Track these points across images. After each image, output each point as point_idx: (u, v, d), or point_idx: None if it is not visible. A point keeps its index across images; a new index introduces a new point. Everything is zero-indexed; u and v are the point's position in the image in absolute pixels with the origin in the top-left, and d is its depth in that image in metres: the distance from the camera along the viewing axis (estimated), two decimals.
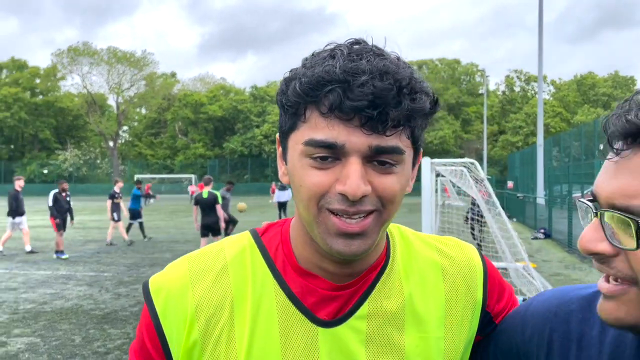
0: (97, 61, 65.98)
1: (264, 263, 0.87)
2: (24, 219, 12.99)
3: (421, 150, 0.83)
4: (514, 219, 20.73)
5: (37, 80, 66.39)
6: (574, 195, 15.67)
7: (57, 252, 12.19)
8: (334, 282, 0.85)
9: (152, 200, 30.24)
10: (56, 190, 12.68)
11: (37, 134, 64.13)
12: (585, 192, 15.57)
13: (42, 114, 63.77)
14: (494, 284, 0.96)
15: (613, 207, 0.65)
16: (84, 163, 62.04)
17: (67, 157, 60.48)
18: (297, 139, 0.77)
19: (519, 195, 23.89)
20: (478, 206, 7.81)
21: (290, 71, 0.79)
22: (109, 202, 14.89)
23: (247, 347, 0.83)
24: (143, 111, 71.65)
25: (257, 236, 0.91)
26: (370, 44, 0.77)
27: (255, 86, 65.66)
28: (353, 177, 0.73)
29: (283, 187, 20.77)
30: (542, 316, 0.85)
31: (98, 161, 64.48)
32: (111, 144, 66.24)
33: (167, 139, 65.42)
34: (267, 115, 59.71)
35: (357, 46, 0.76)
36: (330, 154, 0.74)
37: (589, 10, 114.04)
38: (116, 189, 15.16)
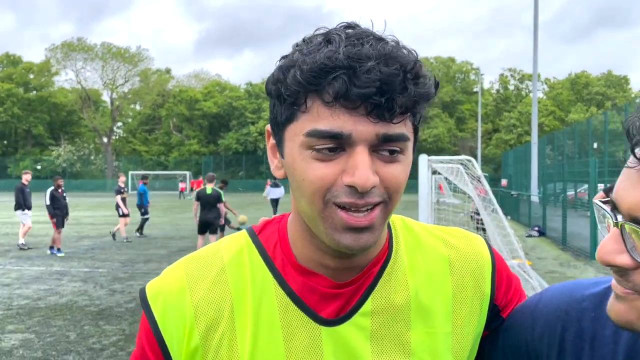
0: (91, 57, 65.70)
1: (262, 263, 0.85)
2: (29, 213, 12.98)
3: (419, 135, 0.80)
4: (509, 217, 20.74)
5: (31, 76, 65.95)
6: (568, 193, 15.73)
7: (51, 248, 12.11)
8: (335, 279, 0.82)
9: (118, 197, 30.18)
10: (52, 188, 12.58)
11: (30, 130, 63.73)
12: (579, 189, 15.64)
13: (35, 109, 63.33)
14: (502, 277, 0.93)
15: (635, 221, 0.61)
16: (78, 159, 61.71)
17: (60, 153, 60.13)
18: (297, 131, 0.73)
19: (513, 193, 23.99)
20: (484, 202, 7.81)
21: (283, 58, 0.75)
22: (118, 198, 14.76)
23: (250, 349, 0.80)
24: (137, 107, 71.40)
25: (254, 235, 0.88)
26: (362, 28, 0.74)
27: (250, 83, 65.52)
28: (362, 168, 0.70)
29: (276, 184, 20.69)
30: (553, 314, 0.83)
31: (92, 157, 64.18)
32: (105, 140, 65.97)
33: (161, 136, 65.21)
34: (262, 112, 59.57)
35: (350, 30, 0.73)
36: (335, 145, 0.71)
37: (584, 10, 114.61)
38: (120, 183, 15.06)
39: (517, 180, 26.29)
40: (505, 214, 8.81)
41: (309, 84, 0.69)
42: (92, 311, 7.11)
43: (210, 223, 10.51)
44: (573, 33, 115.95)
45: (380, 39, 0.72)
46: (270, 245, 0.86)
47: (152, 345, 0.83)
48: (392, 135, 0.71)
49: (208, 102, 62.58)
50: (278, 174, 0.81)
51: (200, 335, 0.81)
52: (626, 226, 0.62)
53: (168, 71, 73.12)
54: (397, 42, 0.73)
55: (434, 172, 8.80)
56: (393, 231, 0.90)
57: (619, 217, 0.64)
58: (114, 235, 14.48)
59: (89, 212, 25.94)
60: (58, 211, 12.31)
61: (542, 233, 16.54)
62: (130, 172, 46.64)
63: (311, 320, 0.82)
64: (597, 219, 0.72)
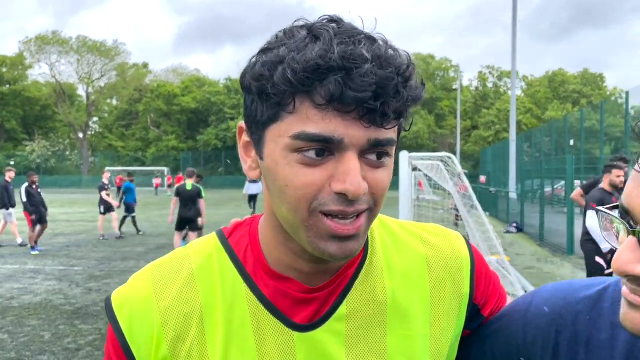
0: (66, 50, 64.52)
1: (233, 267, 0.81)
2: (12, 211, 12.66)
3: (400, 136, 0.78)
4: (487, 213, 21.00)
5: (4, 69, 64.42)
6: (545, 189, 15.97)
7: (32, 247, 11.87)
8: (308, 284, 0.79)
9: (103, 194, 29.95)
10: (26, 184, 12.29)
11: (3, 124, 62.26)
12: (556, 186, 15.90)
13: (8, 103, 61.89)
14: (481, 274, 0.91)
15: None
16: (53, 154, 60.60)
17: (34, 148, 58.93)
18: (281, 132, 0.68)
19: (491, 189, 24.28)
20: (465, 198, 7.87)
21: (264, 52, 0.70)
22: (103, 194, 14.46)
23: (221, 357, 0.78)
24: (114, 102, 70.38)
25: (224, 238, 0.84)
26: (346, 23, 0.70)
27: (229, 78, 65.01)
28: (354, 175, 0.67)
29: (253, 180, 20.48)
30: (546, 317, 0.80)
31: (67, 152, 63.09)
32: (80, 135, 64.96)
33: (138, 131, 64.37)
34: (241, 108, 58.99)
35: (334, 24, 0.69)
36: (323, 149, 0.67)
37: (563, 9, 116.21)
38: (104, 180, 14.76)
39: (496, 176, 26.62)
40: (484, 210, 8.88)
41: (300, 84, 0.65)
42: (67, 310, 6.97)
43: (190, 219, 10.35)
44: (551, 31, 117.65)
45: (371, 38, 0.68)
46: (240, 248, 0.83)
47: (120, 357, 0.79)
48: (382, 140, 0.69)
49: (186, 97, 61.93)
50: (252, 174, 0.77)
51: (169, 344, 0.78)
52: None
53: (145, 65, 72.20)
54: (386, 42, 0.70)
55: (414, 169, 8.83)
56: (369, 231, 0.86)
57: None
58: (120, 235, 14.18)
59: (64, 208, 25.49)
60: (34, 208, 12.05)
61: (519, 229, 16.77)
62: (106, 168, 45.98)
63: (284, 326, 0.78)
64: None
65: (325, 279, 0.80)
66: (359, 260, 0.83)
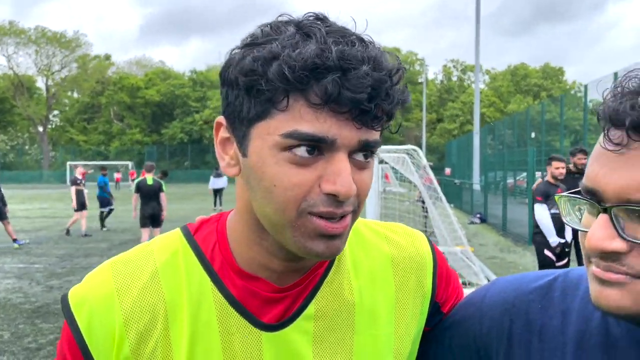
0: (24, 41, 62.30)
1: (199, 266, 0.80)
2: None
3: None
4: (452, 205, 21.38)
5: None
6: (508, 181, 16.34)
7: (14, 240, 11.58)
8: (278, 283, 0.79)
9: (86, 191, 29.31)
10: None
11: None
12: (518, 178, 16.29)
13: None
14: (442, 273, 0.93)
15: (628, 202, 0.60)
16: (11, 149, 58.64)
17: None
18: (271, 129, 0.67)
19: (456, 181, 24.71)
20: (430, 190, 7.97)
21: (250, 46, 0.69)
22: (73, 189, 14.00)
23: (186, 358, 0.76)
24: (75, 95, 68.44)
25: (190, 235, 0.82)
26: (332, 21, 0.71)
27: (195, 70, 64.08)
28: (345, 176, 0.67)
29: (218, 174, 20.28)
30: (500, 307, 0.83)
31: (27, 147, 61.12)
32: (40, 129, 62.97)
33: (101, 124, 62.80)
34: (207, 101, 58.46)
35: (320, 22, 0.69)
36: (315, 149, 0.67)
37: (526, 4, 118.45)
38: (77, 175, 14.33)
39: (460, 169, 27.08)
40: (449, 202, 9.04)
41: (297, 82, 0.64)
42: (28, 309, 6.77)
43: (154, 215, 10.15)
44: (515, 26, 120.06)
45: (362, 40, 0.69)
46: (207, 246, 0.81)
47: (76, 357, 0.76)
48: (371, 142, 0.69)
49: (151, 89, 60.72)
50: (230, 171, 0.75)
51: (131, 345, 0.76)
52: (615, 210, 0.61)
53: (108, 57, 70.33)
54: (373, 43, 0.71)
55: (381, 161, 8.91)
56: None
57: (604, 204, 0.62)
58: (67, 231, 13.75)
59: (24, 204, 24.70)
60: None
61: (483, 220, 17.13)
62: (68, 163, 44.70)
63: (251, 326, 0.78)
64: (563, 212, 0.71)
65: (295, 278, 0.80)
66: (328, 260, 0.84)
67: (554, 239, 6.10)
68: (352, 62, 0.65)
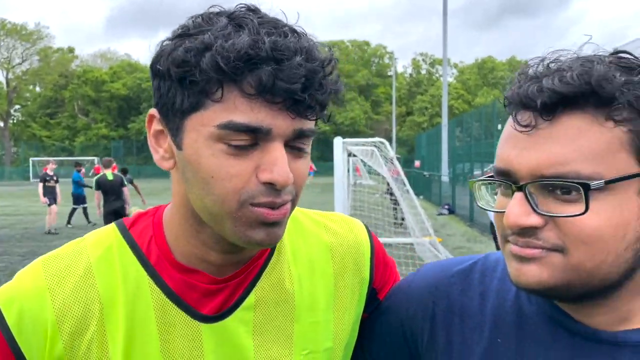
0: None
1: (135, 260, 0.79)
2: None
3: None
4: (421, 197, 21.67)
5: None
6: (475, 172, 16.62)
7: None
8: (216, 275, 0.79)
9: (40, 185, 28.64)
10: None
11: None
12: (485, 169, 16.59)
13: None
14: (380, 260, 0.95)
15: (542, 177, 0.64)
16: None
17: None
18: (205, 121, 0.67)
19: (425, 173, 25.02)
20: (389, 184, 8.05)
21: (181, 37, 0.68)
22: (40, 186, 13.58)
23: (123, 353, 0.76)
24: (37, 89, 66.56)
25: (125, 230, 0.81)
26: (264, 13, 0.71)
27: None
28: (281, 165, 0.68)
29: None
30: (424, 291, 0.87)
31: None
32: (1, 124, 61.12)
33: (65, 119, 61.24)
34: None
35: (252, 13, 0.70)
36: (251, 139, 0.67)
37: None
38: (48, 171, 13.90)
39: (429, 161, 27.42)
40: (419, 193, 9.17)
41: (232, 72, 0.65)
42: None
43: (118, 211, 9.91)
44: (483, 20, 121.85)
45: (294, 31, 0.70)
46: (144, 241, 0.80)
47: (6, 356, 0.74)
48: (306, 131, 0.71)
49: (116, 83, 59.47)
50: (165, 165, 0.75)
51: (65, 342, 0.74)
52: (529, 187, 0.65)
53: (71, 50, 68.59)
54: (306, 34, 0.72)
55: (350, 155, 8.93)
56: None
57: (518, 182, 0.66)
58: (49, 231, 13.29)
59: None
60: None
61: (451, 211, 17.40)
62: (31, 159, 43.52)
63: (190, 318, 0.78)
64: (477, 197, 0.75)
65: (234, 269, 0.80)
66: (268, 250, 0.84)
67: None
68: (285, 53, 0.65)
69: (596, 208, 0.63)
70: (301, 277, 0.86)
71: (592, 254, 0.64)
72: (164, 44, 0.70)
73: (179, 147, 0.71)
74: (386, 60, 68.10)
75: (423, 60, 69.25)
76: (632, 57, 0.66)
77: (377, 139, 7.95)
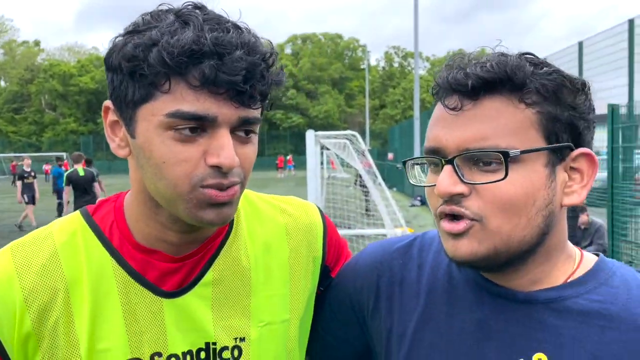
0: None
1: (99, 244, 0.85)
2: None
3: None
4: (394, 189, 21.92)
5: None
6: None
7: None
8: (175, 254, 0.86)
9: (19, 183, 27.90)
10: None
11: None
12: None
13: None
14: (332, 240, 1.03)
15: (467, 150, 0.75)
16: None
17: None
18: (155, 110, 0.73)
19: (398, 165, 25.20)
20: (361, 176, 8.16)
21: (131, 34, 0.74)
22: (19, 183, 13.26)
23: (88, 329, 0.81)
24: (2, 83, 64.58)
25: (89, 216, 0.88)
26: (210, 10, 0.77)
27: None
28: (227, 149, 0.74)
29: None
30: (369, 266, 0.97)
31: None
32: None
33: (31, 114, 59.61)
34: None
35: (198, 10, 0.75)
36: (197, 126, 0.73)
37: None
38: (25, 167, 13.56)
39: (402, 153, 27.63)
40: (392, 185, 9.29)
41: (176, 66, 0.71)
42: None
43: None
44: (456, 14, 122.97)
45: (237, 27, 0.75)
46: (106, 225, 0.86)
47: None
48: (250, 119, 0.76)
49: (84, 77, 58.14)
50: (121, 153, 0.81)
51: (33, 320, 0.80)
52: (457, 160, 0.75)
53: (37, 43, 66.74)
54: (249, 30, 0.77)
55: (323, 148, 8.99)
56: None
57: (448, 156, 0.76)
58: (20, 226, 13.00)
59: None
60: None
61: (423, 202, 17.65)
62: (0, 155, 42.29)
63: (152, 294, 0.84)
64: (412, 177, 0.86)
65: (192, 248, 0.86)
66: (225, 231, 0.91)
67: None
68: (226, 47, 0.71)
69: (511, 177, 0.73)
70: (257, 255, 0.93)
71: (507, 219, 0.75)
72: (116, 39, 0.77)
73: (133, 135, 0.77)
74: (359, 54, 68.22)
75: (395, 53, 69.62)
76: (536, 57, 0.79)
77: (349, 132, 8.04)
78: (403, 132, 29.92)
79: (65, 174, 9.99)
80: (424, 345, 0.86)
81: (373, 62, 70.38)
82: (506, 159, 0.73)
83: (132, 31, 0.75)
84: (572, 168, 0.78)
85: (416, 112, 23.52)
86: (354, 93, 65.06)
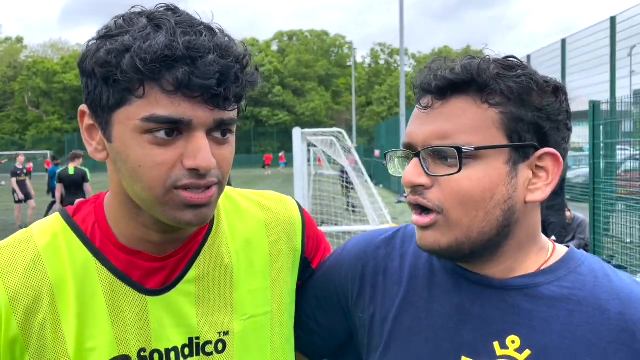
0: None
1: (81, 245, 0.85)
2: None
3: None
4: (381, 185, 21.99)
5: None
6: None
7: None
8: (158, 254, 0.86)
9: (3, 182, 27.47)
10: None
11: None
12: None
13: None
14: (311, 233, 1.05)
15: (429, 147, 0.81)
16: None
17: None
18: (130, 115, 0.73)
19: (384, 162, 25.28)
20: (347, 173, 8.20)
21: (104, 38, 0.74)
22: (13, 181, 13.05)
23: (75, 329, 0.82)
24: None
25: (69, 217, 0.87)
26: (183, 11, 0.77)
27: None
28: (204, 152, 0.74)
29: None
30: (354, 257, 1.01)
31: None
32: None
33: (14, 112, 58.77)
34: None
35: (171, 12, 0.75)
36: (173, 129, 0.74)
37: None
38: (18, 165, 13.35)
39: (389, 150, 27.70)
40: (379, 182, 9.33)
41: (149, 72, 0.70)
42: None
43: None
44: (442, 11, 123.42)
45: (210, 29, 0.75)
46: (87, 226, 0.87)
47: None
48: (226, 120, 0.77)
49: (69, 74, 57.40)
50: (98, 156, 0.81)
51: (19, 323, 0.80)
52: (422, 153, 0.82)
53: (20, 40, 65.77)
54: (222, 30, 0.77)
55: (310, 145, 9.02)
56: None
57: (417, 150, 0.83)
58: (20, 226, 12.84)
59: None
60: None
61: None
62: None
63: (136, 292, 0.85)
64: (392, 168, 0.92)
65: (175, 247, 0.88)
66: (206, 228, 0.92)
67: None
68: (199, 51, 0.71)
69: (468, 172, 0.79)
70: (238, 250, 0.94)
71: (466, 211, 0.80)
72: (89, 43, 0.76)
73: (109, 140, 0.78)
74: (345, 51, 68.21)
75: (382, 50, 69.75)
76: (516, 60, 0.83)
77: (335, 129, 8.07)
78: (389, 129, 30.01)
79: (57, 172, 9.92)
80: (404, 329, 0.90)
81: (359, 59, 70.50)
82: (460, 155, 0.78)
83: (105, 36, 0.74)
84: (537, 166, 0.82)
85: (402, 109, 23.62)
86: (341, 90, 65.06)
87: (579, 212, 7.32)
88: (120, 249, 0.86)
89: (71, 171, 9.60)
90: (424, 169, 0.82)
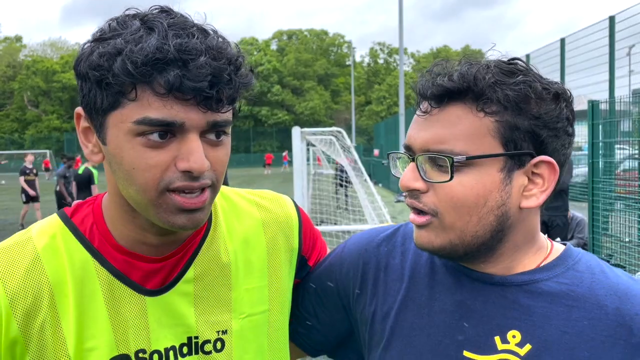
0: None
1: (80, 246, 0.85)
2: None
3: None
4: (380, 184, 22.01)
5: None
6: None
7: None
8: (155, 255, 0.87)
9: (3, 181, 27.48)
10: None
11: None
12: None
13: None
14: (307, 231, 1.06)
15: (427, 151, 0.83)
16: None
17: None
18: (123, 118, 0.73)
19: (383, 162, 25.31)
20: (345, 172, 8.21)
21: (98, 41, 0.74)
22: (21, 179, 13.02)
23: (75, 328, 0.82)
24: None
25: (67, 219, 0.88)
26: (177, 13, 0.77)
27: None
28: (197, 154, 0.74)
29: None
30: (355, 254, 1.03)
31: None
32: None
33: (13, 111, 58.71)
34: None
35: (165, 14, 0.75)
36: (166, 132, 0.74)
37: None
38: (27, 164, 13.32)
39: (388, 149, 27.70)
40: (378, 182, 9.34)
41: (140, 75, 0.70)
42: None
43: None
44: (443, 10, 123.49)
45: (202, 30, 0.75)
46: (86, 227, 0.87)
47: None
48: (220, 122, 0.77)
49: (67, 73, 57.32)
50: (94, 158, 0.81)
51: (19, 324, 0.80)
52: (419, 158, 0.84)
53: (19, 39, 65.66)
54: (216, 32, 0.77)
55: (309, 144, 9.02)
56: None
57: (414, 155, 0.85)
58: (22, 225, 12.82)
59: None
60: None
61: None
62: None
63: (135, 293, 0.86)
64: (392, 167, 0.94)
65: (173, 248, 0.88)
66: (204, 229, 0.93)
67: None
68: (191, 54, 0.71)
69: (462, 179, 0.81)
70: (236, 250, 0.95)
71: (459, 216, 0.82)
72: (84, 46, 0.76)
73: (104, 142, 0.78)
74: (344, 50, 68.18)
75: (381, 49, 69.73)
76: (521, 64, 0.83)
77: (334, 128, 8.07)
78: (388, 128, 30.03)
79: (72, 171, 10.33)
80: (405, 325, 0.92)
81: (358, 59, 70.50)
82: (452, 163, 0.80)
83: (99, 39, 0.75)
84: (533, 173, 0.83)
85: (401, 109, 23.64)
86: (340, 89, 65.04)
87: (577, 211, 7.33)
88: (119, 250, 0.86)
89: (80, 171, 9.76)
90: (420, 174, 0.83)
